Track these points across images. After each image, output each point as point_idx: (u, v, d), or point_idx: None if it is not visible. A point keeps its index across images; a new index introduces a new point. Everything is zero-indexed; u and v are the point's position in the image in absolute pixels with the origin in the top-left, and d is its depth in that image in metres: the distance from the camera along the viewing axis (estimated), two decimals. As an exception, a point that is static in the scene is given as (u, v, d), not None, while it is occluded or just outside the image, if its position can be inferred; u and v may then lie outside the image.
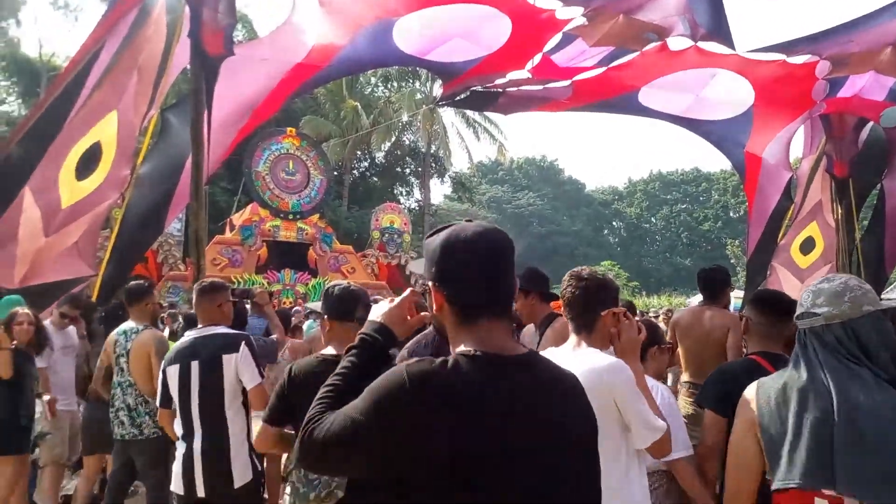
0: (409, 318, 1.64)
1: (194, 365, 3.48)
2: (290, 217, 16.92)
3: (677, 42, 6.52)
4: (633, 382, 2.28)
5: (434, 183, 38.48)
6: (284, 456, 4.00)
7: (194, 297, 3.73)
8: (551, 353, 2.44)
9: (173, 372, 3.53)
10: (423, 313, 1.68)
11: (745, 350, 3.13)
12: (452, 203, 45.08)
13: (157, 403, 3.67)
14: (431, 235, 1.44)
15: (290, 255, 16.79)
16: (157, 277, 15.67)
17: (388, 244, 19.40)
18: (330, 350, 2.78)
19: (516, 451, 1.29)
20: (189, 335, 3.65)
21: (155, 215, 7.08)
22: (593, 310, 2.42)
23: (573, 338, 2.49)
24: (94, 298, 6.30)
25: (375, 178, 35.51)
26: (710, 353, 4.91)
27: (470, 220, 1.46)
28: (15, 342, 4.67)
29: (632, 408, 2.24)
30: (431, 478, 1.24)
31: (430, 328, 3.49)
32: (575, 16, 6.22)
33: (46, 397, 5.20)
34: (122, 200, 6.89)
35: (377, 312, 1.63)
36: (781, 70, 6.73)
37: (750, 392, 2.03)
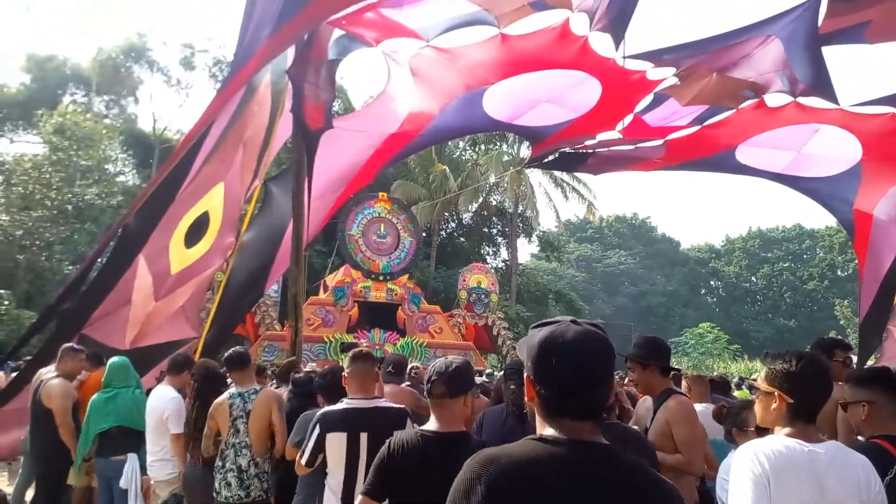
0: None
1: (363, 437, 3.39)
2: (381, 278, 17.29)
3: (776, 98, 6.33)
4: None
5: (521, 242, 38.33)
6: None
7: (350, 364, 3.56)
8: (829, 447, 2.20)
9: (337, 440, 3.41)
10: None
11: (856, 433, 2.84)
12: (540, 262, 44.67)
13: (304, 461, 3.52)
14: (536, 327, 1.45)
15: (379, 315, 17.08)
16: (254, 337, 16.23)
17: (475, 304, 19.43)
18: (430, 426, 2.68)
19: None
20: (350, 404, 3.52)
21: (256, 280, 7.39)
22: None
23: (799, 425, 2.21)
24: (196, 359, 6.53)
25: (462, 239, 35.78)
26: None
27: (574, 321, 1.44)
28: None
29: None
30: None
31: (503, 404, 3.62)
32: (666, 76, 6.17)
33: None
34: (226, 265, 7.24)
35: None
36: (891, 123, 6.40)
37: None
